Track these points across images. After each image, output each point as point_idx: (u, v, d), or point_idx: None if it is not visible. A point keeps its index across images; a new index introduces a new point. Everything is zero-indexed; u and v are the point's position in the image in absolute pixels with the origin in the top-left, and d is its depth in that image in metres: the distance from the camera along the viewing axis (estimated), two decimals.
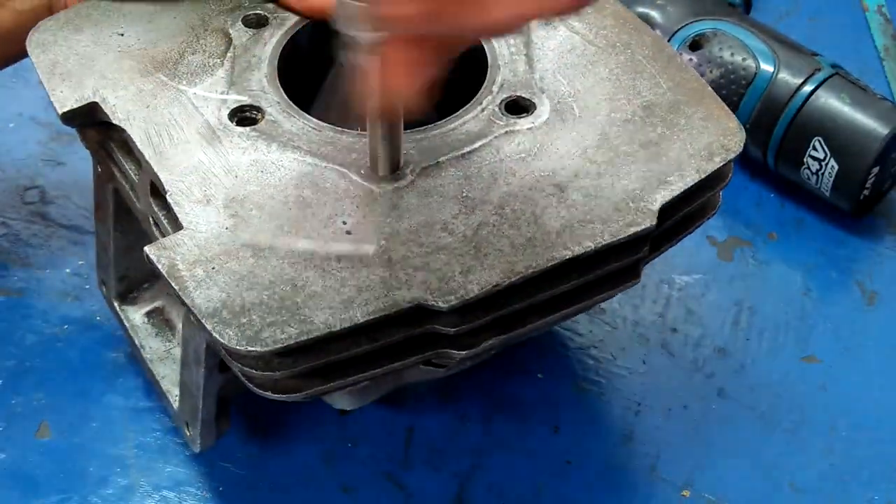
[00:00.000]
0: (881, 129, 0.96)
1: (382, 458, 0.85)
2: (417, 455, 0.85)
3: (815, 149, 0.98)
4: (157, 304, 0.87)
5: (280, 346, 0.61)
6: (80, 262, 0.95)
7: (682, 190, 0.70)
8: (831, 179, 0.98)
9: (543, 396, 0.89)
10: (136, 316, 0.87)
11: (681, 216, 0.73)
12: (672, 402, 0.89)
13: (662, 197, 0.69)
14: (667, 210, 0.70)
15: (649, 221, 0.68)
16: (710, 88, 0.76)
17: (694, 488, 0.84)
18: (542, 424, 0.87)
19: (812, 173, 0.99)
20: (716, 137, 0.73)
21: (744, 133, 0.73)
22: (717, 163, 0.71)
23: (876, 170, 0.97)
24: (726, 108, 0.75)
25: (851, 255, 1.00)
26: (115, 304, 0.87)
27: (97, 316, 0.91)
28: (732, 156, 0.72)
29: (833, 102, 0.98)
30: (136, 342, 0.85)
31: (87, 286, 0.93)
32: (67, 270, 0.95)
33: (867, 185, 0.98)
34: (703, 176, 0.71)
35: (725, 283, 0.97)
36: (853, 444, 0.87)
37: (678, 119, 0.74)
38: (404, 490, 0.83)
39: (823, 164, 0.98)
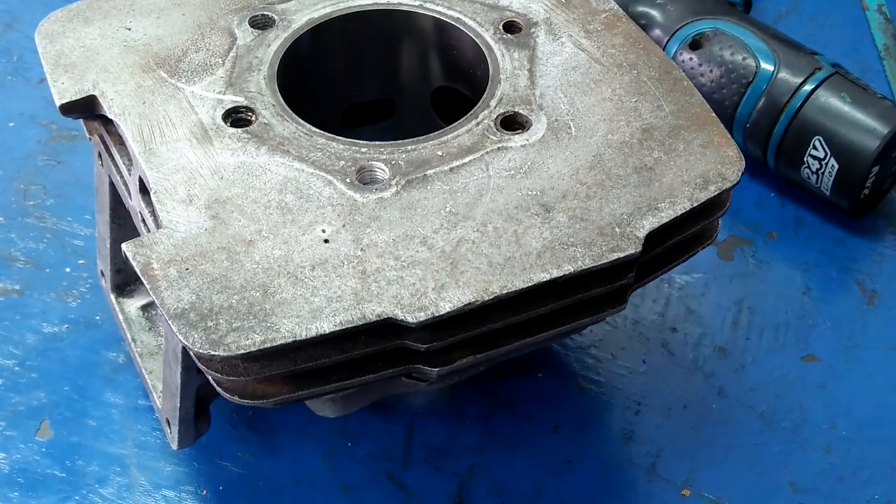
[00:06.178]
0: (881, 129, 0.96)
1: (382, 458, 0.85)
2: (417, 455, 0.85)
3: (815, 148, 0.98)
4: (152, 298, 0.87)
5: (243, 351, 0.61)
6: (81, 262, 0.95)
7: (672, 218, 0.69)
8: (831, 179, 0.98)
9: (543, 396, 0.89)
10: (131, 309, 0.87)
11: (672, 243, 0.72)
12: (672, 402, 0.89)
13: (650, 224, 0.68)
14: (655, 237, 0.69)
15: (634, 248, 0.67)
16: (713, 114, 0.74)
17: (694, 488, 0.84)
18: (542, 424, 0.87)
19: (812, 172, 0.99)
20: (713, 165, 0.71)
21: (743, 162, 0.71)
22: (711, 192, 0.70)
23: (876, 169, 0.97)
24: (728, 135, 0.73)
25: (851, 255, 1.00)
26: (112, 296, 0.87)
27: (97, 316, 0.91)
28: (729, 185, 0.70)
29: (833, 102, 0.98)
30: (129, 335, 0.85)
31: (87, 286, 0.93)
32: (67, 270, 0.95)
33: (867, 185, 0.97)
34: (695, 204, 0.69)
35: (725, 282, 0.97)
36: (853, 443, 0.87)
37: (677, 144, 0.73)
38: (404, 490, 0.83)
39: (823, 163, 0.98)
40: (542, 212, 0.68)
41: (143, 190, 0.71)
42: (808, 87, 0.99)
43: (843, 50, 1.15)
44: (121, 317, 0.87)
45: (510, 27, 0.80)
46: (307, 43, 0.79)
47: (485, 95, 0.75)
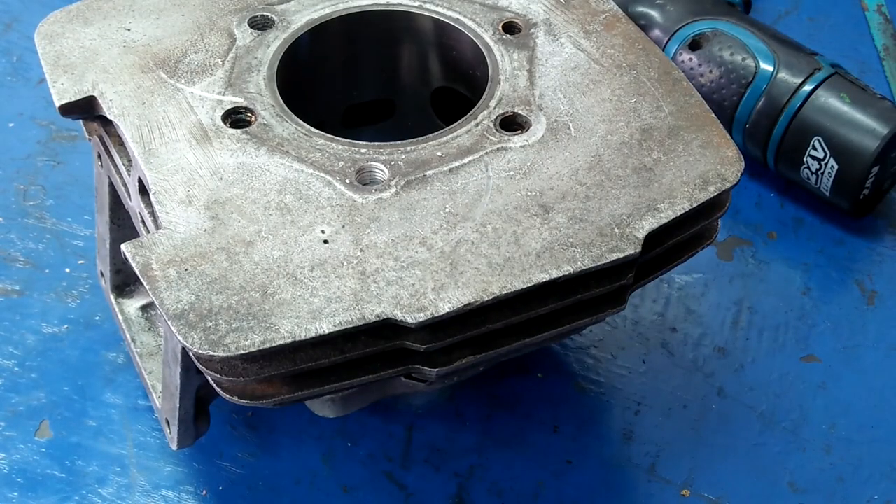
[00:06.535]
0: (881, 129, 0.96)
1: (382, 458, 0.85)
2: (417, 455, 0.85)
3: (814, 148, 0.98)
4: (151, 298, 0.87)
5: (242, 352, 0.61)
6: (80, 262, 0.95)
7: (671, 218, 0.69)
8: (831, 179, 0.98)
9: (543, 396, 0.89)
10: (130, 309, 0.87)
11: (672, 244, 0.72)
12: (672, 402, 0.89)
13: (650, 224, 0.68)
14: (655, 238, 0.69)
15: (633, 249, 0.67)
16: (713, 115, 0.74)
17: (694, 488, 0.84)
18: (542, 424, 0.87)
19: (812, 173, 0.99)
20: (713, 166, 0.71)
21: (742, 163, 0.72)
22: (710, 192, 0.70)
23: (876, 169, 0.97)
24: (727, 135, 0.73)
25: (851, 255, 1.00)
26: (112, 297, 0.87)
27: (97, 316, 0.91)
28: (728, 185, 0.70)
29: (833, 102, 0.98)
30: (129, 336, 0.85)
31: (87, 286, 0.93)
32: (67, 270, 0.95)
33: (867, 185, 0.97)
34: (694, 205, 0.69)
35: (725, 282, 0.97)
36: (853, 443, 0.87)
37: (676, 145, 0.73)
38: (404, 490, 0.83)
39: (823, 163, 0.98)
40: (542, 212, 0.68)
41: (143, 190, 0.71)
42: (807, 88, 0.99)
43: (843, 50, 1.15)
44: (120, 317, 0.87)
45: (510, 28, 0.80)
46: (307, 43, 0.79)
47: (484, 96, 0.75)
